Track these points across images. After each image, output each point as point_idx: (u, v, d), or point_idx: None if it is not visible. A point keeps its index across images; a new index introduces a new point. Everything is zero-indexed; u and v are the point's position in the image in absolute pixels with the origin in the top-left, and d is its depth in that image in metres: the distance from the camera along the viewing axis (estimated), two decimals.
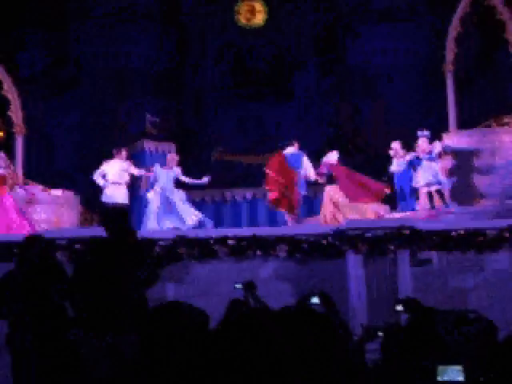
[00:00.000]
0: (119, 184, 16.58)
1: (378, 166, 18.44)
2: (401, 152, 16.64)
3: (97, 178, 16.69)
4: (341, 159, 17.09)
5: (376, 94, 25.77)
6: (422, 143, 15.98)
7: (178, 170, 16.74)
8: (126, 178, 16.83)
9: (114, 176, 16.58)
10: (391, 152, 16.72)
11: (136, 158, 19.68)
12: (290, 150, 16.57)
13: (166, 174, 16.52)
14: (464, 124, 17.13)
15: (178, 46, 27.94)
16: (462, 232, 12.12)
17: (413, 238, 11.99)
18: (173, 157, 17.33)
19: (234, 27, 27.80)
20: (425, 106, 24.12)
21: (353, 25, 27.00)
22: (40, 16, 28.27)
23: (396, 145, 16.77)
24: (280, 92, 27.18)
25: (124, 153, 17.13)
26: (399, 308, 6.40)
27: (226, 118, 26.52)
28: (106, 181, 16.51)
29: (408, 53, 26.41)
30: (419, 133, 16.17)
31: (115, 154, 17.01)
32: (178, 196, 16.27)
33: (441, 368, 3.38)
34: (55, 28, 28.23)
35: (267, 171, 16.28)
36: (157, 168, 16.77)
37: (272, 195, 16.32)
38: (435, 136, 16.38)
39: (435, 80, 17.45)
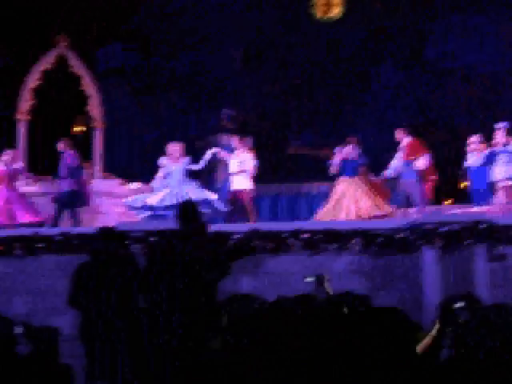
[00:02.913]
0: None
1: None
2: (479, 147, 16.32)
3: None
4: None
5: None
6: (498, 135, 15.68)
7: (185, 161, 15.88)
8: None
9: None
10: (469, 147, 16.43)
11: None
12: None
13: (174, 168, 15.72)
14: None
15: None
16: None
17: (490, 233, 11.78)
18: (175, 147, 16.10)
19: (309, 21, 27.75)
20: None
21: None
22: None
23: (474, 139, 16.45)
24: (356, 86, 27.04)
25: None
26: (459, 305, 6.13)
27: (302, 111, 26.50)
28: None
29: (489, 46, 25.97)
30: (496, 125, 15.87)
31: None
32: (189, 189, 15.49)
33: None
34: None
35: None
36: (163, 162, 15.93)
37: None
38: None
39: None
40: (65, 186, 15.89)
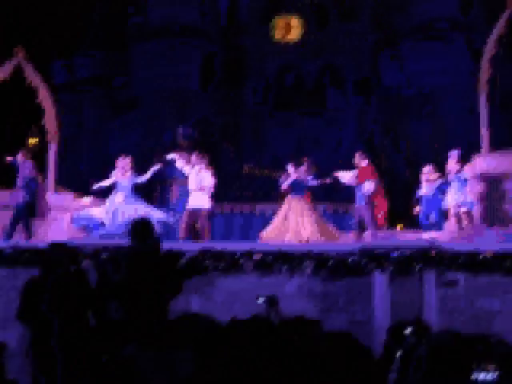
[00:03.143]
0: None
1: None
2: (432, 176, 16.60)
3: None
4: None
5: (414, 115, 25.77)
6: (451, 162, 15.95)
7: (132, 175, 16.07)
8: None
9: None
10: (423, 176, 16.69)
11: (167, 170, 19.74)
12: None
13: (122, 182, 15.87)
14: (500, 145, 16.99)
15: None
16: (490, 254, 12.01)
17: (439, 259, 11.90)
18: (124, 160, 16.28)
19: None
20: (461, 127, 24.05)
21: (392, 45, 27.09)
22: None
23: (427, 169, 16.74)
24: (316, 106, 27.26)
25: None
26: (407, 331, 6.17)
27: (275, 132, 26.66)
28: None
29: (445, 73, 26.33)
30: (449, 153, 16.15)
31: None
32: (137, 206, 15.61)
33: None
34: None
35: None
36: (112, 175, 16.05)
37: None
38: (468, 157, 16.30)
39: (473, 101, 17.37)
40: (20, 196, 15.81)
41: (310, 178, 16.68)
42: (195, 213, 15.95)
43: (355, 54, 28.13)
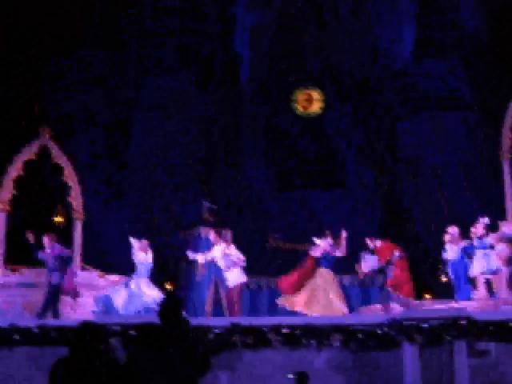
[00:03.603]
0: None
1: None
2: (457, 238, 16.51)
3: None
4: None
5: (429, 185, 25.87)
6: (479, 227, 15.92)
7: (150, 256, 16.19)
8: None
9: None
10: (447, 237, 16.60)
11: (192, 245, 19.79)
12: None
13: (143, 261, 16.01)
14: None
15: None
16: None
17: (470, 329, 11.76)
18: (144, 243, 16.43)
19: (289, 115, 28.24)
20: (484, 197, 24.06)
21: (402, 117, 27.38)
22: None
23: (452, 230, 16.64)
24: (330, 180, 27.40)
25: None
26: None
27: (279, 204, 26.72)
28: None
29: (461, 144, 26.50)
30: (480, 218, 16.12)
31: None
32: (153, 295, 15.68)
33: None
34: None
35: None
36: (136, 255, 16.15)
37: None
38: (494, 225, 16.30)
39: (492, 169, 17.45)
40: (56, 278, 15.72)
41: (333, 249, 16.76)
42: (233, 289, 16.09)
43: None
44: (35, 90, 28.53)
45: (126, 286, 15.82)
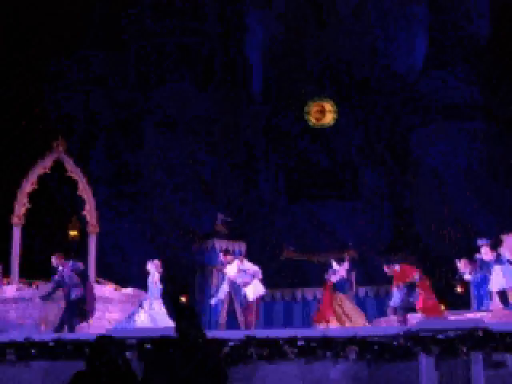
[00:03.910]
0: None
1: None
2: (468, 268, 16.62)
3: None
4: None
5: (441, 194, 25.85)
6: (486, 252, 15.99)
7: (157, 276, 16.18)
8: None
9: None
10: (460, 267, 16.71)
11: (207, 257, 19.82)
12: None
13: (158, 285, 16.06)
14: None
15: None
16: None
17: (486, 340, 11.70)
18: (157, 264, 16.37)
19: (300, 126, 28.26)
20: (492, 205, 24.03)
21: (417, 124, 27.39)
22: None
23: (461, 264, 16.77)
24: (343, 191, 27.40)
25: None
26: None
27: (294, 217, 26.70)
28: None
29: (472, 152, 26.47)
30: (479, 242, 16.18)
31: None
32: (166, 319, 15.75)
33: None
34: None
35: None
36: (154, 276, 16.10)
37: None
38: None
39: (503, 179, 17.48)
40: (74, 293, 15.66)
41: (352, 273, 17.07)
42: (254, 302, 16.15)
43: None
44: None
45: (142, 307, 15.80)
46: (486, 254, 16.00)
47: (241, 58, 30.90)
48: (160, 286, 15.99)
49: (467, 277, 16.62)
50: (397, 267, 16.71)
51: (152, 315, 15.58)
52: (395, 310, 16.41)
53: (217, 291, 17.50)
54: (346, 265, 17.04)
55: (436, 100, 28.38)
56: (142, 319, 15.58)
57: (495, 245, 16.13)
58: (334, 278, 16.86)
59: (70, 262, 15.95)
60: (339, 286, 16.90)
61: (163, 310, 15.72)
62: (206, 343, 8.67)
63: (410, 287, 16.36)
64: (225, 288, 16.62)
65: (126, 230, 27.44)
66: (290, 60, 30.05)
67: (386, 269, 16.82)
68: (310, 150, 29.30)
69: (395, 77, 29.09)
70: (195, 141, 29.67)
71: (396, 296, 16.43)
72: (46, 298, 15.88)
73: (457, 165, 27.12)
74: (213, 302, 17.13)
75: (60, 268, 15.78)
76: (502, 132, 24.19)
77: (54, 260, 15.97)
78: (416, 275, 16.48)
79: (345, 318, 16.37)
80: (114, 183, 27.99)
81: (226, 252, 17.58)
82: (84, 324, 16.08)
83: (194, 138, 29.76)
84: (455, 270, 17.18)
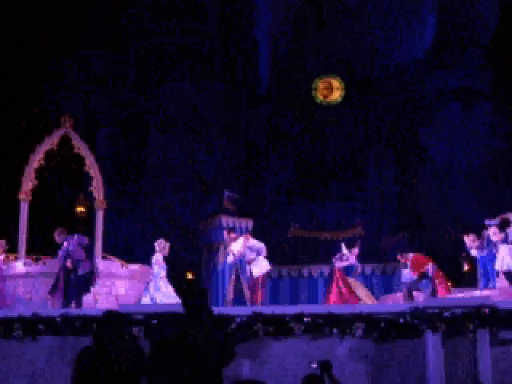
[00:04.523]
0: None
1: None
2: (475, 243, 16.61)
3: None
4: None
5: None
6: (494, 233, 15.95)
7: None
8: None
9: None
10: (467, 243, 16.72)
11: (213, 234, 19.83)
12: None
13: (162, 270, 16.11)
14: None
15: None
16: None
17: (492, 318, 11.69)
18: (164, 243, 16.43)
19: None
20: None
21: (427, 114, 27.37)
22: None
23: (469, 238, 16.76)
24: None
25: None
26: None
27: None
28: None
29: (479, 141, 26.42)
30: (487, 222, 16.16)
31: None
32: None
33: None
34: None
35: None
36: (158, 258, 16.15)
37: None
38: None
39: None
40: (84, 267, 15.61)
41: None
42: (259, 278, 16.18)
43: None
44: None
45: (152, 288, 15.84)
46: (494, 234, 15.96)
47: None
48: (164, 265, 15.97)
49: (474, 252, 16.55)
50: (410, 255, 16.83)
51: (157, 298, 15.58)
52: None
53: (223, 268, 17.56)
54: (355, 251, 17.20)
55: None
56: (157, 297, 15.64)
57: (503, 226, 16.12)
58: (341, 264, 16.96)
59: (75, 236, 15.80)
60: (347, 270, 17.11)
61: (170, 290, 15.71)
62: (213, 321, 8.69)
63: (422, 276, 16.50)
64: (230, 258, 16.65)
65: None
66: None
67: (399, 258, 16.95)
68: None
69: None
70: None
71: (407, 274, 16.57)
72: (54, 289, 15.73)
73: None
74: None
75: (65, 244, 15.64)
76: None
77: (56, 236, 15.83)
78: (429, 266, 16.57)
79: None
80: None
81: (230, 230, 17.63)
82: (91, 300, 16.11)
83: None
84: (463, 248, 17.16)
